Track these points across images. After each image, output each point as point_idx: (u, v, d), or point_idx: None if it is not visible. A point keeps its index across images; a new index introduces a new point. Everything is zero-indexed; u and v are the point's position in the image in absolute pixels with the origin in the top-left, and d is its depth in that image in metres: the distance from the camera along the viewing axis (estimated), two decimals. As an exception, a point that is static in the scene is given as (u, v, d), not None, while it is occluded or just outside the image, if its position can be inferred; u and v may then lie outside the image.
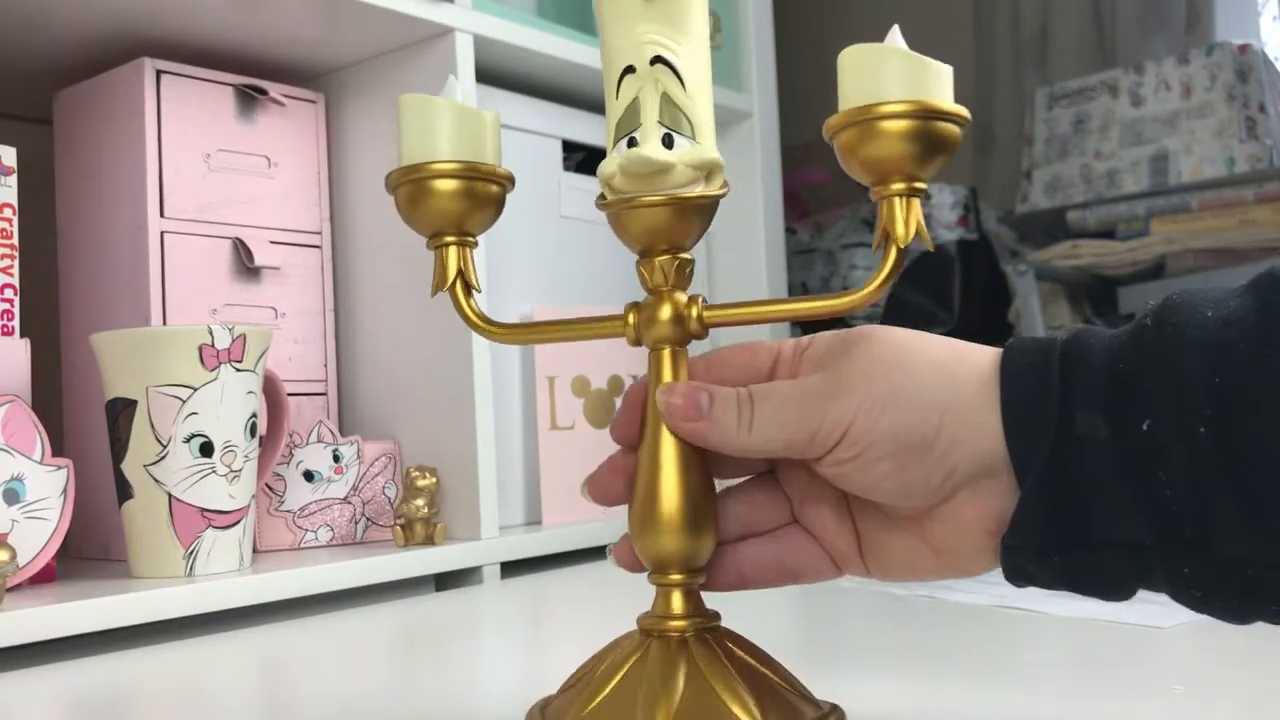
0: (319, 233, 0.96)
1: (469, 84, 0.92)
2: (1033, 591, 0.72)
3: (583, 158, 1.10)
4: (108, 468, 0.77)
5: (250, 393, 0.78)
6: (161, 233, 0.85)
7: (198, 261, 0.87)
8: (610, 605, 0.73)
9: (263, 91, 0.92)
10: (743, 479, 0.42)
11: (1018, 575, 0.37)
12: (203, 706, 0.56)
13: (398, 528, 0.87)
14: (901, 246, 0.37)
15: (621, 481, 0.40)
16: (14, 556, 0.66)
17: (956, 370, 0.36)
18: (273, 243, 0.92)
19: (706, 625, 0.39)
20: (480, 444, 0.89)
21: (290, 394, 0.87)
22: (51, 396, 0.88)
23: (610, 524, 0.96)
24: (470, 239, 0.42)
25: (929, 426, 0.35)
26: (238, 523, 0.77)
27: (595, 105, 1.13)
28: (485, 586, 0.88)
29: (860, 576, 0.40)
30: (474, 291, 0.42)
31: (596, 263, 1.06)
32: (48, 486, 0.73)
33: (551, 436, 1.00)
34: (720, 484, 0.41)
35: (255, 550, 0.84)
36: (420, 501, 0.87)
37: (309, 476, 0.89)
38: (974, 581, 0.76)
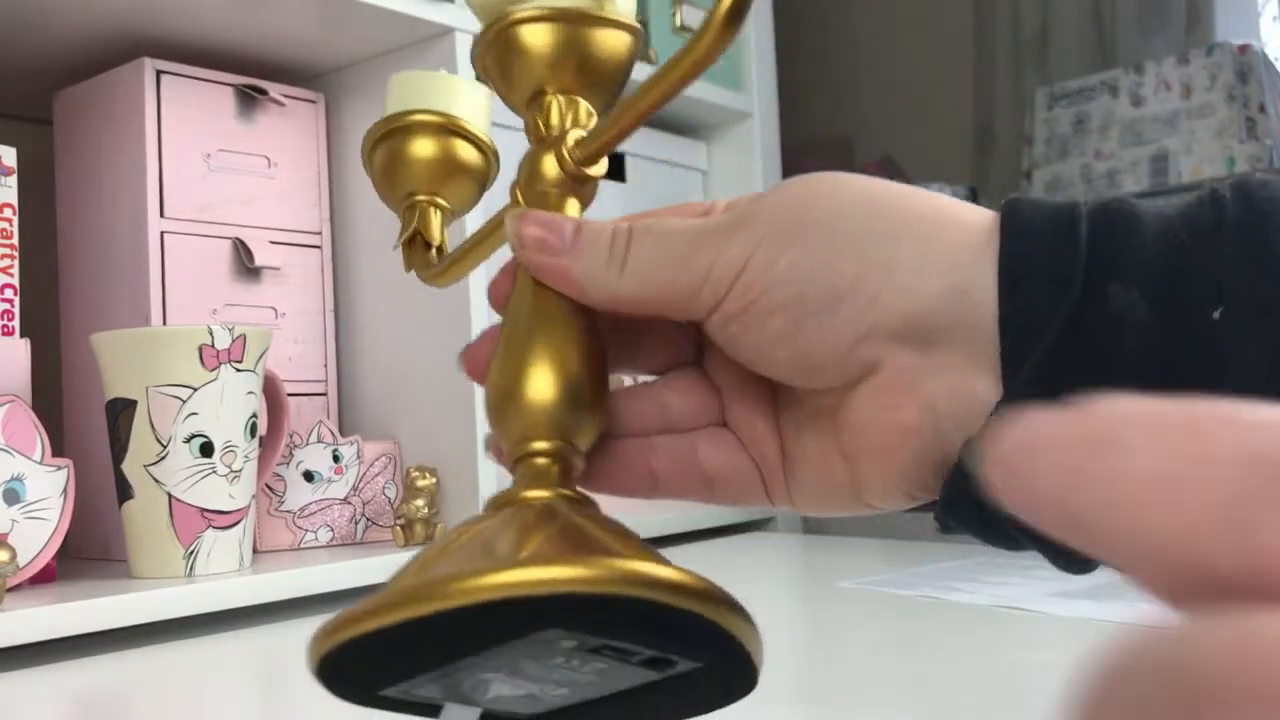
0: (319, 233, 0.96)
1: (469, 84, 0.92)
2: (1033, 590, 0.72)
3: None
4: (108, 468, 0.77)
5: (250, 393, 0.78)
6: (161, 233, 0.85)
7: (198, 261, 0.87)
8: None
9: (263, 91, 0.92)
10: (667, 373, 0.33)
11: (959, 508, 0.28)
12: (203, 707, 0.56)
13: (398, 528, 0.87)
14: None
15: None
16: (14, 556, 0.66)
17: (918, 217, 0.28)
18: (273, 243, 0.92)
19: (583, 502, 0.28)
20: (480, 445, 0.89)
21: (290, 394, 0.87)
22: (51, 396, 0.88)
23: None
24: (441, 203, 0.37)
25: (839, 271, 0.27)
26: (238, 523, 0.77)
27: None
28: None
29: (783, 504, 0.32)
30: (432, 249, 0.38)
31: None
32: (48, 486, 0.73)
33: (551, 436, 1.00)
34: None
35: (255, 550, 0.83)
36: (420, 502, 0.87)
37: (309, 477, 0.89)
38: (974, 581, 0.76)
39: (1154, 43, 1.58)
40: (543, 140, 0.32)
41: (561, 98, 0.32)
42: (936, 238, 0.28)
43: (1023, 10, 1.71)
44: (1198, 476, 0.11)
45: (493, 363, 0.29)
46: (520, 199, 0.32)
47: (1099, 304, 0.26)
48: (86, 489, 0.80)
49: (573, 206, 0.31)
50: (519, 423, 0.28)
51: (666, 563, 0.23)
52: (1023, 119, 1.60)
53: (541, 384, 0.28)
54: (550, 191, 0.31)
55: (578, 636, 0.23)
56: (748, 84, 1.28)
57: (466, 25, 0.92)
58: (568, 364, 0.28)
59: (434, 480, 0.88)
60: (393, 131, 0.37)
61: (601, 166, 0.32)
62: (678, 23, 1.19)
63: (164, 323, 0.84)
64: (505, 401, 0.28)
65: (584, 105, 0.32)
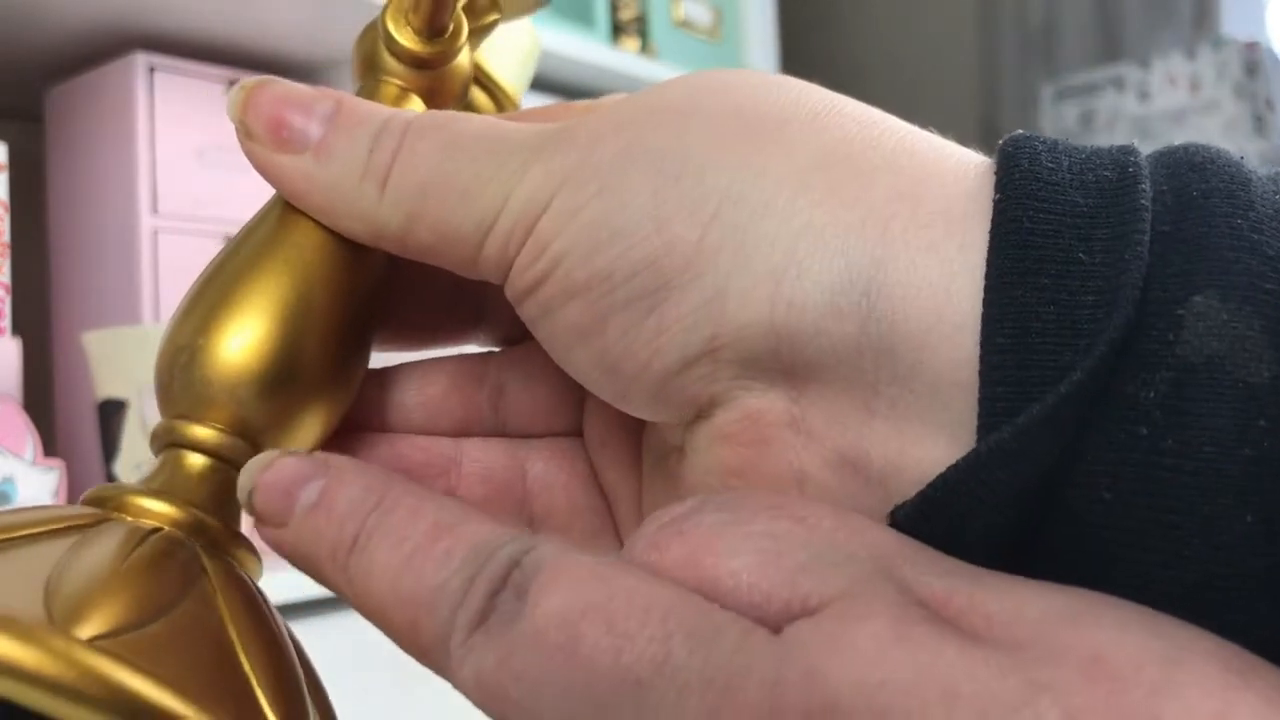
0: (315, 230, 0.95)
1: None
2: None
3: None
4: (100, 468, 0.76)
5: (244, 393, 0.77)
6: (154, 230, 0.84)
7: (190, 259, 0.86)
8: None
9: (258, 87, 0.91)
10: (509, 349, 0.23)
11: None
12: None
13: (395, 529, 0.86)
14: None
15: None
16: (2, 560, 0.65)
17: (835, 147, 0.16)
18: (268, 240, 0.91)
19: (226, 536, 0.18)
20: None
21: (285, 394, 0.85)
22: (43, 396, 0.87)
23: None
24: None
25: (670, 235, 0.16)
26: (231, 525, 0.76)
27: (587, 96, 1.11)
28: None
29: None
30: None
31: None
32: (39, 488, 0.71)
33: (551, 436, 0.99)
34: None
35: (250, 552, 0.82)
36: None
37: (305, 477, 0.88)
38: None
39: (1161, 38, 1.57)
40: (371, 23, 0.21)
41: None
42: (857, 184, 0.16)
43: (1028, 4, 1.70)
44: None
45: (181, 301, 0.20)
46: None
47: (1169, 330, 0.14)
48: (78, 490, 0.79)
49: (417, 106, 0.21)
50: (184, 391, 0.19)
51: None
52: (1028, 115, 1.59)
53: (237, 344, 0.18)
54: (384, 82, 0.21)
55: None
56: (745, 48, 1.26)
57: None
58: (293, 333, 0.18)
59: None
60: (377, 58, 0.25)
61: (460, 37, 0.21)
62: (680, 16, 1.17)
63: (156, 321, 0.83)
64: (176, 355, 0.19)
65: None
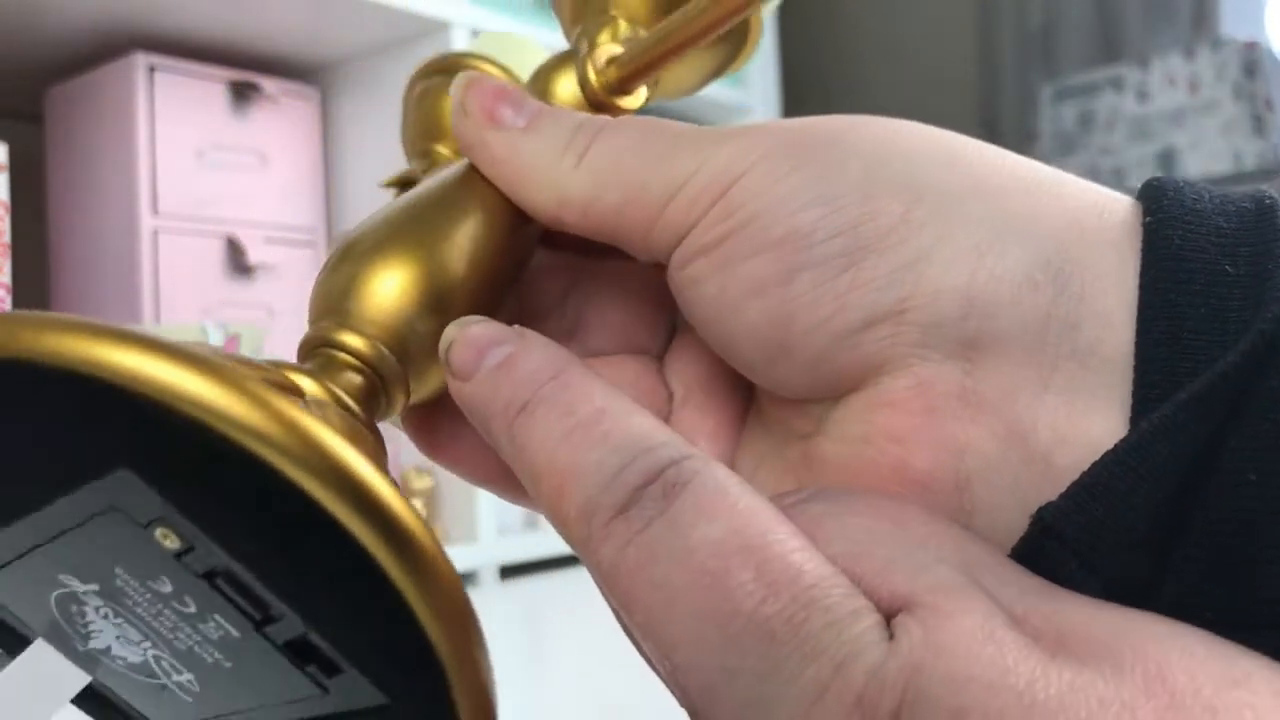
0: (314, 230, 0.95)
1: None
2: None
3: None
4: (99, 469, 0.76)
5: (244, 393, 0.77)
6: (154, 230, 0.84)
7: (190, 259, 0.86)
8: (610, 608, 0.72)
9: (256, 86, 0.91)
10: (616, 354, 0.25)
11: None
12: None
13: (394, 529, 0.86)
14: None
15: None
16: (2, 560, 0.65)
17: (1008, 169, 0.19)
18: (267, 240, 0.91)
19: (366, 426, 0.19)
20: (478, 444, 0.88)
21: (285, 394, 0.86)
22: (43, 397, 0.87)
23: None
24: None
25: (873, 208, 0.18)
26: (231, 525, 0.76)
27: (595, 101, 1.12)
28: (483, 589, 0.87)
29: None
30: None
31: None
32: (38, 488, 0.71)
33: (551, 437, 0.99)
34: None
35: (250, 552, 0.82)
36: (418, 503, 0.86)
37: (304, 477, 0.88)
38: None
39: (1160, 38, 1.57)
40: (566, 57, 0.24)
41: (624, 24, 0.24)
42: (1030, 198, 0.18)
43: (1028, 6, 1.70)
44: None
45: (364, 225, 0.21)
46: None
47: None
48: (78, 490, 0.79)
49: None
50: (346, 298, 0.20)
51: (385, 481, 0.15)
52: (1027, 115, 1.59)
53: (408, 274, 0.20)
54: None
55: (165, 509, 0.15)
56: (749, 79, 1.26)
57: (462, 20, 0.91)
58: (458, 275, 0.20)
59: (431, 482, 0.87)
60: (444, 69, 0.28)
61: (638, 97, 0.24)
62: (678, 18, 1.18)
63: (156, 321, 0.83)
64: (349, 264, 0.20)
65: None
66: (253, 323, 0.88)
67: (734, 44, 0.25)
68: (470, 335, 0.19)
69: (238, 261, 0.89)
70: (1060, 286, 0.17)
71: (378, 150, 0.96)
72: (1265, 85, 1.37)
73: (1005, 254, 0.17)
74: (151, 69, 0.85)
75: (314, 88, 0.96)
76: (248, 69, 0.92)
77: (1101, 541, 0.16)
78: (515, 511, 0.98)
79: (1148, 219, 0.17)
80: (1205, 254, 0.17)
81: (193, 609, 0.16)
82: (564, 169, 0.20)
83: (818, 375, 0.19)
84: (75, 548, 0.16)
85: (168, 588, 0.16)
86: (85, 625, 0.17)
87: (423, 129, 0.29)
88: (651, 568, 0.15)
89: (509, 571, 0.90)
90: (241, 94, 0.90)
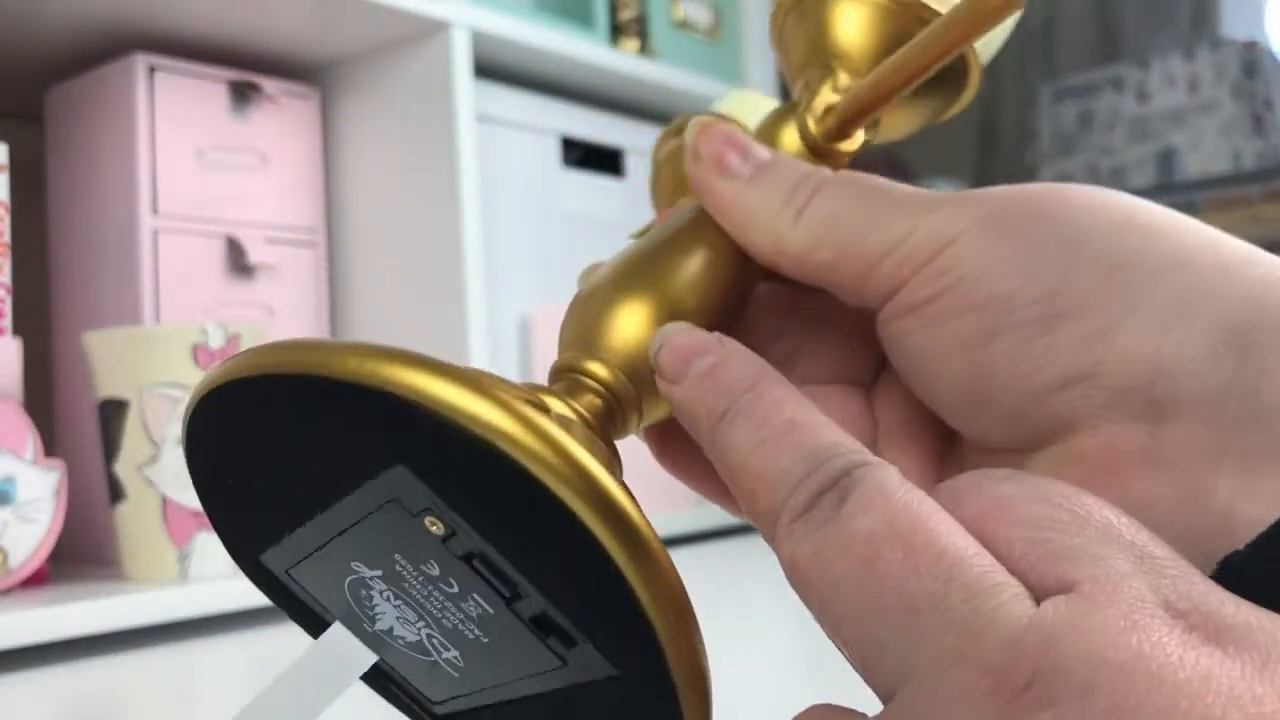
0: (314, 230, 0.95)
1: (466, 79, 0.91)
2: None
3: (581, 154, 1.09)
4: (100, 469, 0.76)
5: (244, 393, 0.77)
6: (154, 230, 0.84)
7: (190, 260, 0.86)
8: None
9: (256, 87, 0.91)
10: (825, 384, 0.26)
11: None
12: (196, 711, 0.55)
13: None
14: None
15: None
16: (6, 559, 0.65)
17: (1195, 241, 0.20)
18: (267, 241, 0.91)
19: (605, 446, 0.22)
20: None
21: (286, 394, 0.86)
22: (43, 396, 0.87)
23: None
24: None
25: (1070, 281, 0.20)
26: (232, 525, 0.76)
27: (594, 100, 1.12)
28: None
29: None
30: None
31: (596, 260, 1.05)
32: (39, 488, 0.71)
33: (551, 436, 0.99)
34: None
35: (250, 552, 0.82)
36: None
37: (305, 477, 0.88)
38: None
39: (1159, 38, 1.57)
40: (789, 109, 0.26)
41: (844, 75, 0.26)
42: (1221, 274, 0.19)
43: (1027, 5, 1.70)
44: None
45: (608, 266, 0.24)
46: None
47: None
48: (78, 490, 0.79)
49: None
50: (591, 332, 0.23)
51: (627, 499, 0.17)
52: (1027, 115, 1.59)
53: (644, 311, 0.23)
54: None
55: (433, 500, 0.18)
56: (748, 79, 1.27)
57: (462, 20, 0.91)
58: (688, 311, 0.23)
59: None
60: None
61: (855, 140, 0.26)
62: (680, 17, 1.18)
63: (157, 322, 0.83)
64: (595, 303, 0.23)
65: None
66: (253, 322, 0.88)
67: (955, 84, 0.27)
68: (676, 343, 0.21)
69: (238, 261, 0.89)
70: (1241, 357, 0.18)
71: (378, 150, 0.96)
72: (1265, 85, 1.37)
73: (1192, 326, 0.19)
74: (152, 69, 0.85)
75: (314, 88, 0.97)
76: (248, 69, 0.92)
77: None
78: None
79: None
80: None
81: (455, 589, 0.19)
82: (783, 223, 0.23)
83: (1014, 428, 0.21)
84: (362, 538, 0.19)
85: (435, 570, 0.19)
86: (372, 608, 0.20)
87: (669, 185, 0.31)
88: (821, 559, 0.17)
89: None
90: (242, 94, 0.90)
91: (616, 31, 1.11)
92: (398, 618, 0.20)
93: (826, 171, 0.23)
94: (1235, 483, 0.18)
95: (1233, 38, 1.38)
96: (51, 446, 0.86)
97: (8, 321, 0.76)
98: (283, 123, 0.93)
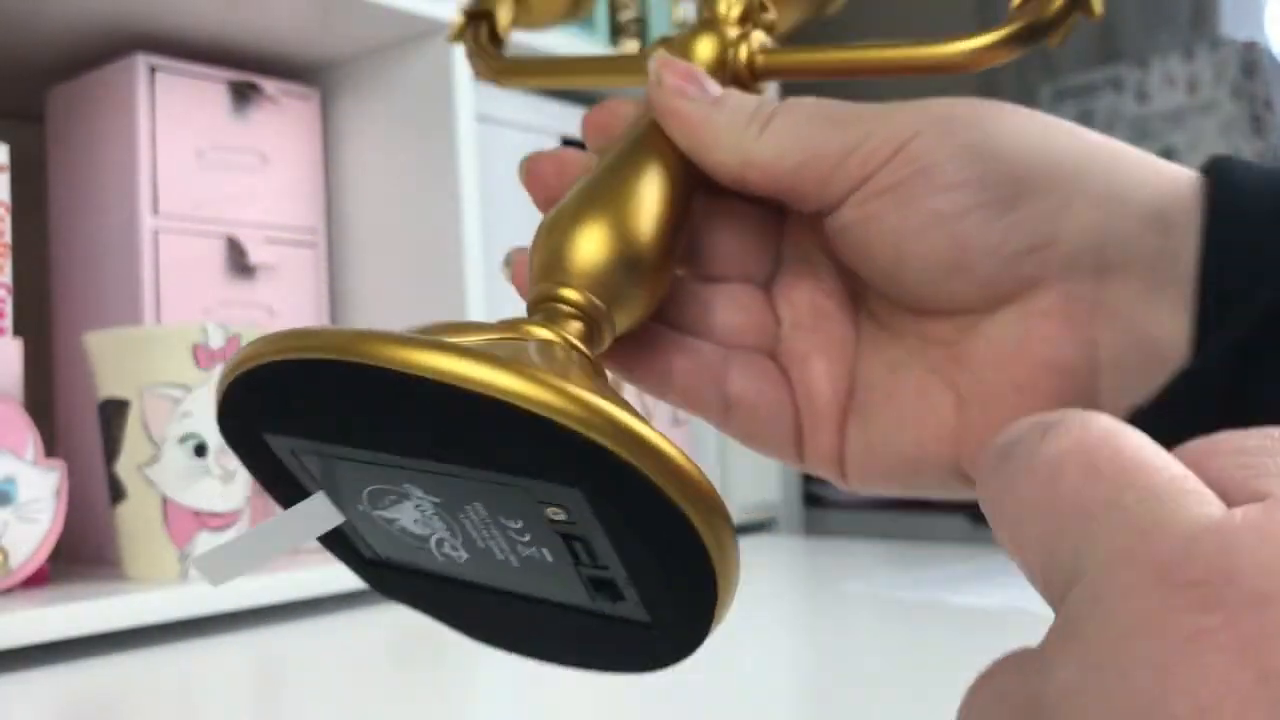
0: (314, 230, 0.95)
1: (465, 80, 0.91)
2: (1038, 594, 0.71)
3: (582, 155, 1.09)
4: (101, 469, 0.76)
5: (245, 393, 0.77)
6: (154, 230, 0.84)
7: (191, 260, 0.86)
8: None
9: (257, 87, 0.91)
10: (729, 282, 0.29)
11: None
12: (197, 711, 0.55)
13: (395, 529, 0.86)
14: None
15: (568, 177, 0.27)
16: (6, 559, 0.65)
17: (1111, 146, 0.25)
18: (267, 241, 0.91)
19: (589, 360, 0.23)
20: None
21: (286, 394, 0.86)
22: (44, 397, 0.87)
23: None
24: None
25: (1029, 166, 0.24)
26: (232, 524, 0.76)
27: (594, 101, 1.12)
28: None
29: (820, 460, 0.27)
30: (498, 40, 0.33)
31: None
32: (40, 488, 0.72)
33: (551, 436, 0.99)
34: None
35: (251, 552, 0.82)
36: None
37: (305, 477, 0.88)
38: (985, 584, 0.75)
39: (1159, 39, 1.58)
40: (711, 23, 0.28)
41: None
42: (1132, 166, 0.24)
43: (1025, 6, 1.70)
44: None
45: (568, 191, 0.26)
46: (662, 53, 0.28)
47: None
48: (79, 490, 0.79)
49: None
50: (559, 260, 0.24)
51: (663, 438, 0.19)
52: (1026, 115, 1.59)
53: (605, 235, 0.24)
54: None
55: (575, 504, 0.19)
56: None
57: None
58: (643, 230, 0.25)
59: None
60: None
61: (768, 88, 0.29)
62: (680, 17, 1.18)
63: (157, 322, 0.83)
64: (557, 233, 0.25)
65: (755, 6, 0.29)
66: (254, 322, 0.88)
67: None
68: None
69: (238, 261, 0.89)
70: (1165, 233, 0.24)
71: (378, 151, 0.96)
72: (1264, 85, 1.37)
73: (1128, 206, 0.24)
74: (152, 70, 0.86)
75: (314, 88, 0.97)
76: (248, 70, 0.92)
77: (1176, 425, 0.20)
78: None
79: (1210, 190, 0.24)
80: (1249, 218, 0.23)
81: (526, 539, 0.20)
82: (749, 136, 0.26)
83: (986, 288, 0.24)
84: (442, 481, 0.20)
85: (517, 524, 0.20)
86: (382, 500, 0.21)
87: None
88: (1013, 487, 0.16)
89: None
90: (242, 95, 0.90)
91: (617, 32, 1.11)
92: (413, 517, 0.22)
93: (766, 99, 0.26)
94: (1171, 328, 0.24)
95: (1232, 38, 1.38)
96: (52, 446, 0.86)
97: (8, 321, 0.76)
98: (283, 123, 0.93)
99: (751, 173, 0.26)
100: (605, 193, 0.25)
